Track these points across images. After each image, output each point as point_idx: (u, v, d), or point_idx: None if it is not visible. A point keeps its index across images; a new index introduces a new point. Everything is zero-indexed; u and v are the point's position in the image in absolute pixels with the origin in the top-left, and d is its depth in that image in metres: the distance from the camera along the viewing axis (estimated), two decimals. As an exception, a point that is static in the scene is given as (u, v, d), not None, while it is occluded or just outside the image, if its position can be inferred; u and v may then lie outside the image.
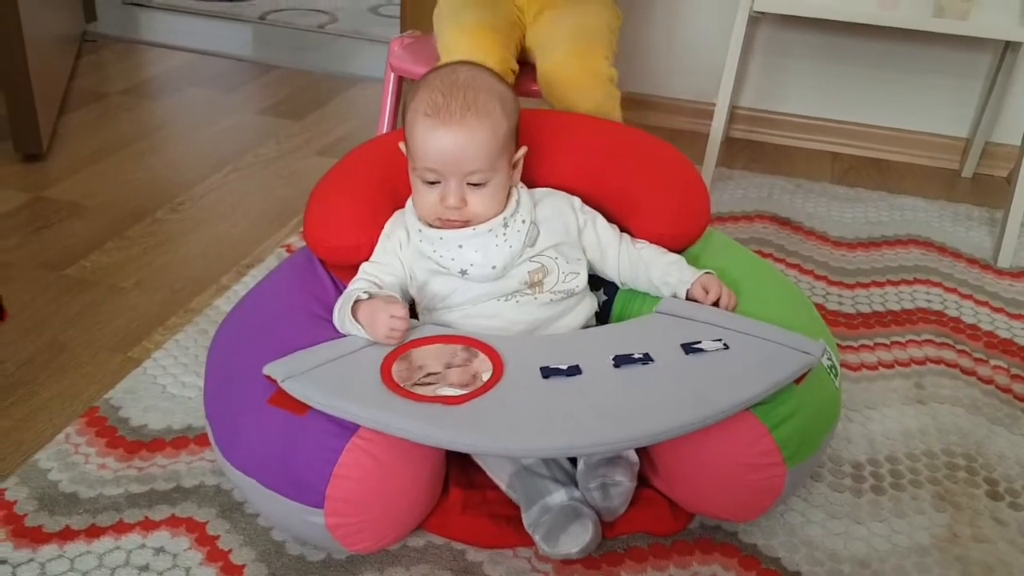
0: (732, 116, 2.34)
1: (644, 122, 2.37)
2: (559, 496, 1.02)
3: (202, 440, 1.22)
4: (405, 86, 1.77)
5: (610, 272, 1.21)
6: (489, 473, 1.07)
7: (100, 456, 1.20)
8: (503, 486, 1.06)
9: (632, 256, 1.19)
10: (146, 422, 1.27)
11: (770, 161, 2.26)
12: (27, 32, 1.97)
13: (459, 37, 1.45)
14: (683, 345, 1.02)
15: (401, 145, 1.16)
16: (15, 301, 1.52)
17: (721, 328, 1.05)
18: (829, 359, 1.09)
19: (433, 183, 1.09)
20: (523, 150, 1.15)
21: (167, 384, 1.34)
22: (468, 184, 1.09)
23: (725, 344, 1.02)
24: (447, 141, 1.06)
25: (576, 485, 1.05)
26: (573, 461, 1.07)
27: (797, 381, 1.01)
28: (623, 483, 1.01)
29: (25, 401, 1.31)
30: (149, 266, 1.67)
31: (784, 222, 1.92)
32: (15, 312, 1.49)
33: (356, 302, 1.06)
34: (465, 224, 1.11)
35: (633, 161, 1.25)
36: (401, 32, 2.43)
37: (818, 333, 1.12)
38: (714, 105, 1.97)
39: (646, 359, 1.00)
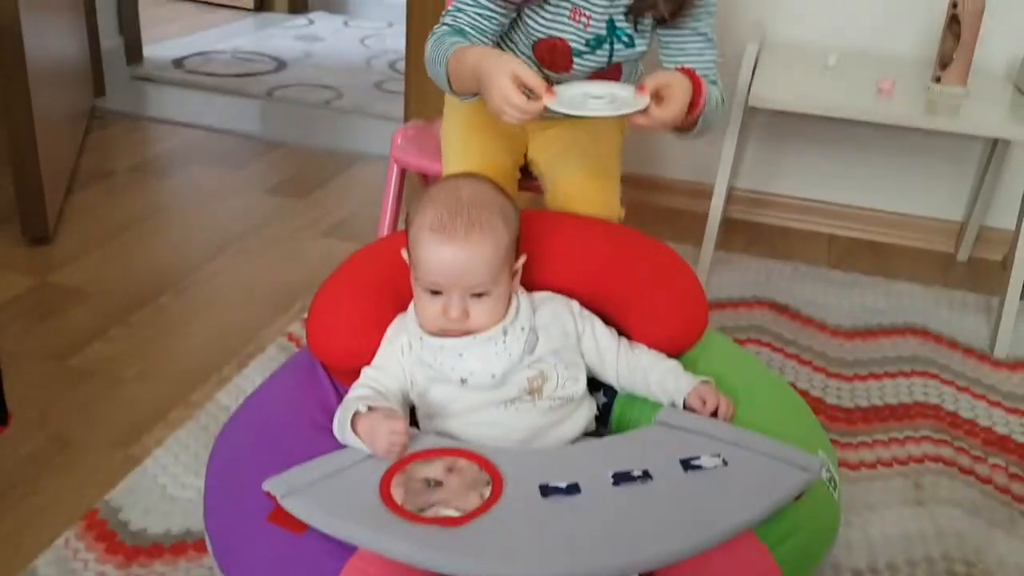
0: (730, 197, 2.37)
1: (645, 202, 2.41)
2: None
3: (200, 546, 1.22)
4: (409, 178, 1.81)
5: (609, 376, 1.22)
6: None
7: (99, 563, 1.20)
8: None
9: (630, 362, 1.20)
10: (145, 526, 1.27)
11: (768, 243, 2.29)
12: (37, 111, 2.00)
13: (463, 169, 1.43)
14: (682, 461, 1.03)
15: (403, 252, 1.18)
16: (19, 393, 1.53)
17: (720, 441, 1.06)
18: (828, 471, 1.10)
19: (436, 293, 1.11)
20: (523, 259, 1.17)
21: (167, 484, 1.35)
22: (470, 295, 1.11)
23: (724, 460, 1.03)
24: (451, 257, 1.08)
25: None
26: None
27: (796, 498, 1.02)
28: None
29: (25, 501, 1.32)
30: (151, 355, 1.68)
31: (782, 309, 1.94)
32: (18, 405, 1.50)
33: (356, 414, 1.07)
34: (466, 334, 1.12)
35: (633, 265, 1.26)
36: (404, 116, 2.50)
37: (817, 443, 1.12)
38: (713, 186, 2.00)
39: (645, 477, 1.01)
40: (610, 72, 1.42)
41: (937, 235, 2.31)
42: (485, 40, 1.35)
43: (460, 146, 1.49)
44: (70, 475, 1.37)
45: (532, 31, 1.37)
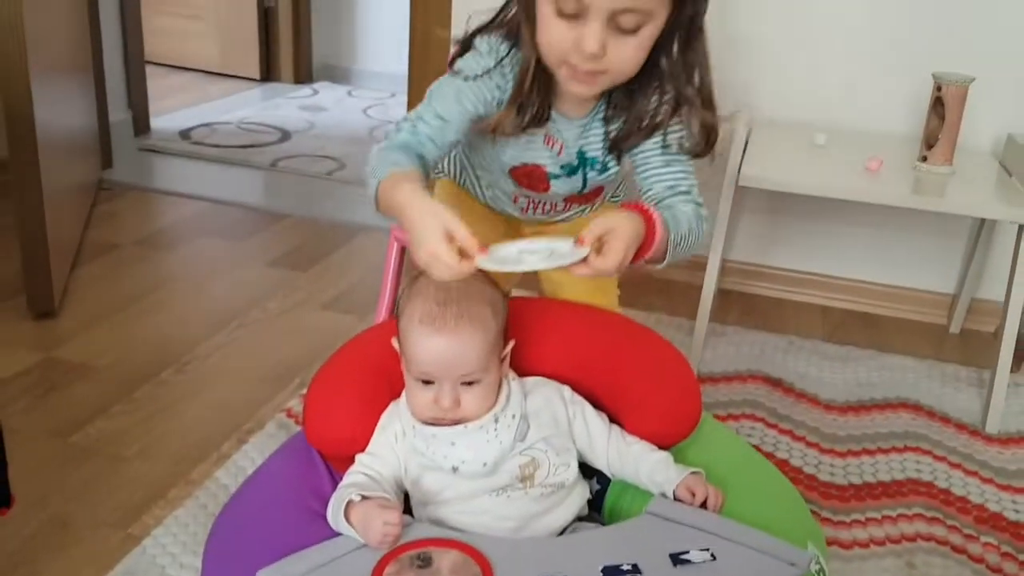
0: (725, 269, 2.41)
1: (640, 274, 2.44)
2: None
3: (198, 629, 1.23)
4: (408, 256, 1.84)
5: (599, 463, 1.23)
6: None
7: (96, 646, 1.21)
8: None
9: (621, 450, 1.22)
10: (143, 608, 1.28)
11: (762, 315, 2.32)
12: (46, 185, 2.04)
13: None
14: (671, 555, 1.04)
15: (394, 341, 1.20)
16: (21, 472, 1.53)
17: (709, 535, 1.08)
18: (817, 563, 1.11)
19: (427, 383, 1.14)
20: (511, 345, 1.20)
21: (166, 565, 1.36)
22: (461, 384, 1.13)
23: (713, 555, 1.04)
24: (442, 348, 1.11)
25: None
26: None
27: (786, 592, 1.03)
28: None
29: (25, 583, 1.33)
30: (152, 432, 1.70)
31: (776, 383, 1.96)
32: (20, 484, 1.51)
33: (349, 503, 1.09)
34: (457, 423, 1.15)
35: (626, 356, 1.28)
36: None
37: (807, 534, 1.14)
38: (707, 258, 2.04)
39: (634, 572, 1.02)
40: (590, 193, 1.42)
41: (930, 307, 2.35)
42: (443, 151, 1.24)
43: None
44: (70, 556, 1.39)
45: (506, 160, 1.35)
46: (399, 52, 3.77)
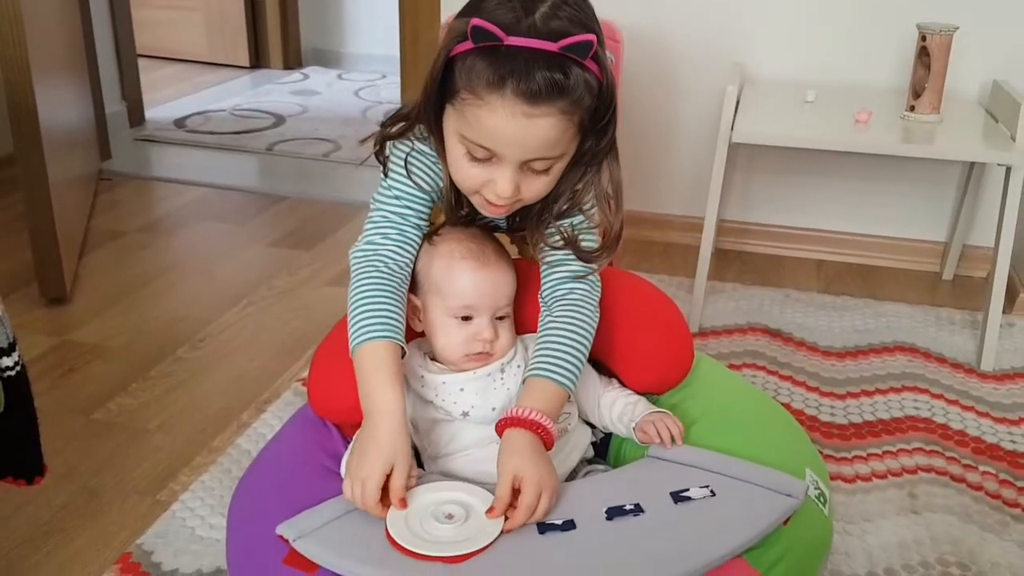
0: (721, 229, 2.46)
1: (640, 237, 2.49)
2: None
3: (231, 583, 1.28)
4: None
5: (590, 415, 1.29)
6: None
7: (136, 603, 1.26)
8: None
9: (604, 400, 1.27)
10: (177, 566, 1.33)
11: (759, 272, 2.37)
12: (51, 177, 2.08)
13: None
14: (672, 494, 1.09)
15: (411, 297, 1.25)
16: (46, 448, 1.57)
17: (708, 473, 1.12)
18: (817, 488, 1.16)
19: (465, 319, 1.19)
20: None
21: (195, 526, 1.41)
22: (496, 319, 1.20)
23: (712, 491, 1.09)
24: (488, 279, 1.18)
25: None
26: None
27: (785, 522, 1.08)
28: None
29: (61, 549, 1.38)
30: (172, 406, 1.75)
31: (775, 334, 2.01)
32: (47, 459, 1.56)
33: None
34: (490, 357, 1.20)
35: (616, 306, 1.32)
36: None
37: (806, 461, 1.19)
38: (703, 219, 2.08)
39: (637, 510, 1.06)
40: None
41: (923, 256, 2.40)
42: (409, 262, 1.22)
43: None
44: (102, 522, 1.43)
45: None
46: (388, 34, 3.81)
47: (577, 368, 1.17)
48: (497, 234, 1.35)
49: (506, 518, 1.05)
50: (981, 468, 1.55)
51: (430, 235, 1.27)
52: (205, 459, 1.59)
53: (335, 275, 2.32)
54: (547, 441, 1.11)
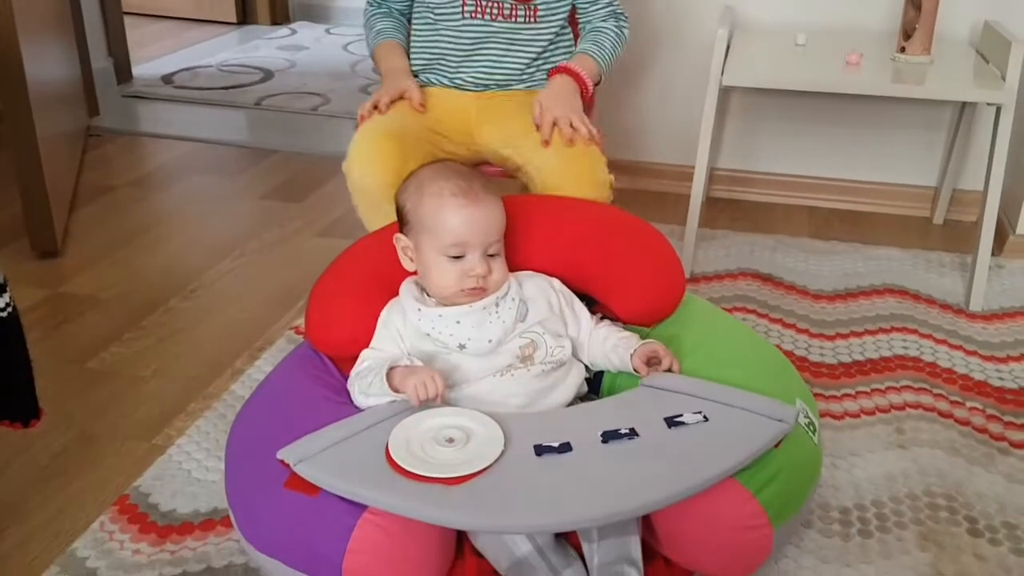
0: (712, 177, 2.46)
1: (632, 186, 2.49)
2: None
3: (228, 522, 1.29)
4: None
5: (581, 352, 1.30)
6: (489, 559, 1.14)
7: (134, 542, 1.28)
8: (501, 572, 1.12)
9: (595, 338, 1.29)
10: (174, 507, 1.34)
11: (750, 219, 2.37)
12: (40, 133, 2.08)
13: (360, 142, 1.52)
14: (666, 419, 1.11)
15: (399, 237, 1.26)
16: (42, 396, 1.58)
17: (701, 400, 1.14)
18: (807, 417, 1.18)
19: (456, 258, 1.20)
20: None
21: (192, 469, 1.42)
22: (488, 255, 1.21)
23: (705, 416, 1.11)
24: (478, 215, 1.20)
25: (572, 565, 1.09)
26: (574, 539, 1.14)
27: (776, 445, 1.10)
28: None
29: (59, 492, 1.39)
30: (166, 354, 1.76)
31: (766, 278, 2.02)
32: (44, 406, 1.57)
33: (393, 368, 1.15)
34: (484, 292, 1.21)
35: (608, 241, 1.34)
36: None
37: (796, 392, 1.20)
38: (693, 168, 2.08)
39: (632, 434, 1.08)
40: None
41: (913, 201, 2.40)
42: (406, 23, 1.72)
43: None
44: (99, 467, 1.45)
45: None
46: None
47: (610, 60, 1.66)
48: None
49: (505, 444, 1.07)
50: (968, 404, 1.57)
51: (415, 172, 1.27)
52: (200, 405, 1.60)
53: (326, 226, 2.32)
54: (582, 86, 1.59)
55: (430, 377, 1.12)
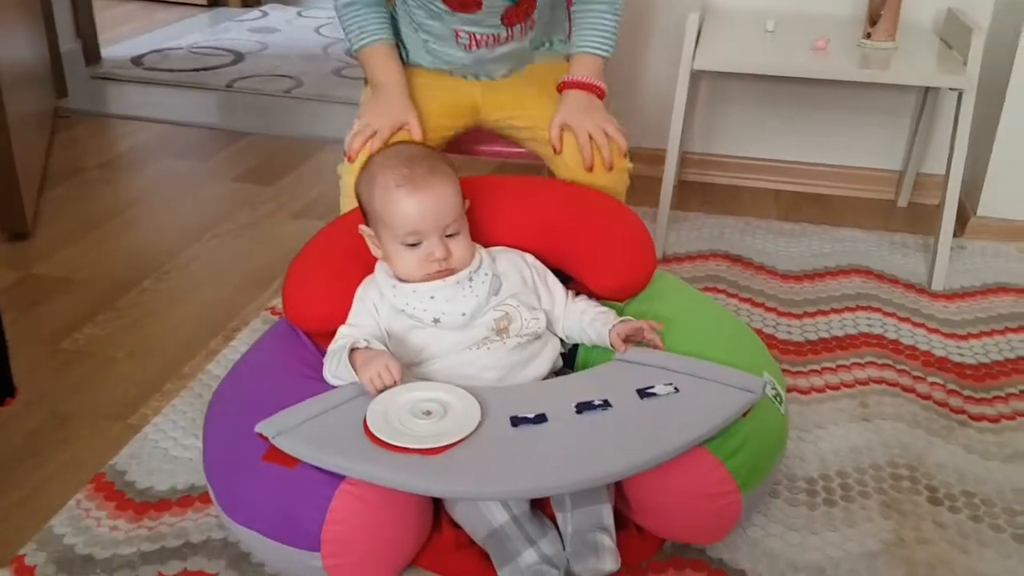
0: (683, 161, 2.49)
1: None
2: (528, 557, 1.09)
3: (206, 498, 1.31)
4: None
5: (556, 325, 1.33)
6: (467, 530, 1.16)
7: (111, 519, 1.29)
8: (478, 541, 1.15)
9: (570, 309, 1.32)
10: (151, 484, 1.35)
11: (720, 202, 2.41)
12: (8, 111, 2.06)
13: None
14: (638, 390, 1.14)
15: (363, 228, 1.28)
16: (16, 376, 1.60)
17: (672, 372, 1.17)
18: (774, 388, 1.21)
19: (414, 245, 1.22)
20: (467, 202, 1.29)
21: (168, 447, 1.43)
22: (446, 237, 1.23)
23: (676, 388, 1.14)
24: (426, 203, 1.20)
25: (547, 535, 1.12)
26: (549, 510, 1.16)
27: (744, 415, 1.13)
28: (610, 570, 1.09)
29: (34, 472, 1.39)
30: (140, 335, 1.76)
31: (736, 259, 2.06)
32: (18, 386, 1.57)
33: (355, 349, 1.17)
34: (450, 272, 1.23)
35: (580, 218, 1.38)
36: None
37: (763, 365, 1.24)
38: (665, 151, 2.11)
39: (605, 405, 1.11)
40: (521, 6, 1.51)
41: (878, 184, 2.45)
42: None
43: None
44: (74, 447, 1.45)
45: None
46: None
47: (612, 41, 1.56)
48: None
49: (482, 417, 1.09)
50: (930, 379, 1.61)
51: (368, 162, 1.29)
52: (175, 385, 1.60)
53: (300, 208, 2.32)
54: (599, 94, 1.52)
55: (384, 367, 1.14)
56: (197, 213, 2.30)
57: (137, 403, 1.56)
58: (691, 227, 2.23)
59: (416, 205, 1.21)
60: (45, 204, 2.31)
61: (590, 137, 1.46)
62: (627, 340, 1.24)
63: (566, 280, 1.38)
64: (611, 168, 1.47)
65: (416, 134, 1.46)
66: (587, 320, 1.29)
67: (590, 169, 1.46)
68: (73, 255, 2.06)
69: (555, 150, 1.48)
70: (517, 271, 1.31)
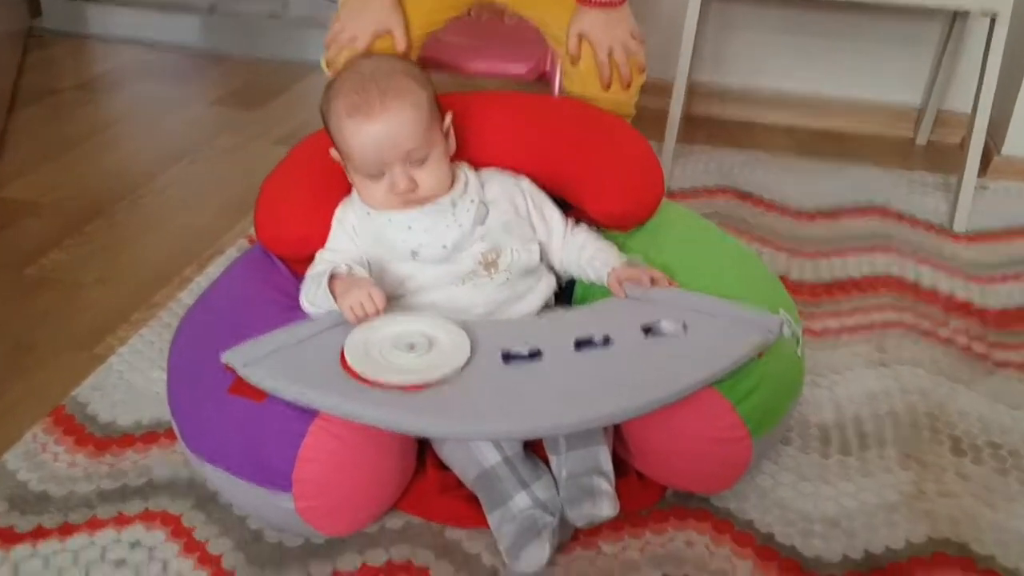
0: (692, 94, 2.36)
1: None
2: (520, 501, 1.01)
3: (172, 434, 1.21)
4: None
5: (553, 258, 1.21)
6: (455, 470, 1.07)
7: (69, 454, 1.19)
8: (467, 483, 1.06)
9: (569, 240, 1.20)
10: (114, 418, 1.25)
11: (729, 136, 2.29)
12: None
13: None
14: (643, 327, 1.03)
15: (333, 152, 1.15)
16: (-26, 302, 1.50)
17: (681, 309, 1.06)
18: (790, 327, 1.11)
19: (378, 176, 1.09)
20: (449, 116, 1.15)
21: (134, 380, 1.33)
22: (411, 164, 1.09)
23: (684, 325, 1.03)
24: (378, 132, 1.06)
25: (542, 478, 1.03)
26: (542, 453, 1.08)
27: (759, 355, 1.03)
28: (606, 516, 1.01)
29: (-11, 403, 1.29)
30: (110, 262, 1.65)
31: (745, 196, 1.94)
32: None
33: (335, 275, 1.06)
34: (423, 201, 1.11)
35: (582, 138, 1.24)
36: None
37: (779, 302, 1.13)
38: (673, 82, 1.99)
39: (606, 342, 1.01)
40: None
41: (896, 121, 2.33)
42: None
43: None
44: (35, 377, 1.35)
45: None
46: None
47: None
48: None
49: (471, 352, 0.98)
50: (951, 324, 1.51)
51: (330, 81, 1.15)
52: (145, 314, 1.50)
53: (284, 134, 2.19)
54: (617, 3, 1.32)
55: (367, 295, 1.03)
56: (175, 137, 2.17)
57: (103, 332, 1.45)
58: (697, 161, 2.11)
59: (368, 136, 1.07)
60: (14, 125, 2.18)
61: (610, 54, 1.32)
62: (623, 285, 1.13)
63: (565, 209, 1.26)
64: (628, 86, 1.34)
65: (400, 44, 1.31)
66: (586, 257, 1.17)
67: (607, 87, 1.32)
68: (42, 178, 1.94)
69: (572, 60, 1.33)
70: (508, 198, 1.18)
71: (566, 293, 1.26)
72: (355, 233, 1.14)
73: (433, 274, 1.12)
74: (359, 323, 1.03)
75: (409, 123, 1.07)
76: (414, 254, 1.11)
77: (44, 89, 2.40)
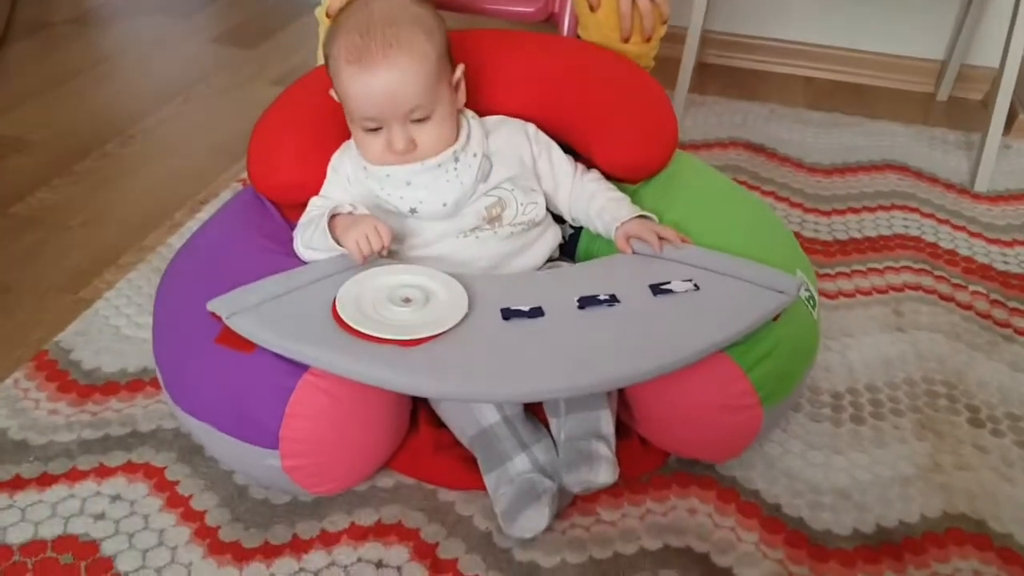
0: (705, 41, 2.27)
1: (614, 47, 2.29)
2: (520, 463, 0.96)
3: (158, 383, 1.16)
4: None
5: (561, 206, 1.14)
6: (452, 429, 1.03)
7: (51, 401, 1.15)
8: (465, 442, 1.02)
9: (578, 188, 1.13)
10: (99, 365, 1.21)
11: (744, 86, 2.20)
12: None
13: None
14: (651, 286, 0.97)
15: (332, 93, 1.08)
16: (-44, 241, 1.45)
17: (693, 267, 1.00)
18: (807, 290, 1.05)
19: (375, 129, 1.02)
20: (460, 68, 1.07)
21: (121, 325, 1.28)
22: (412, 122, 1.01)
23: (696, 285, 0.98)
24: (378, 86, 0.98)
25: (542, 441, 0.99)
26: (541, 415, 1.03)
27: (774, 319, 0.97)
28: (604, 483, 0.97)
29: (-31, 346, 1.25)
30: (99, 203, 1.59)
31: (758, 148, 1.87)
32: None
33: (336, 215, 1.00)
34: (423, 158, 1.04)
35: (593, 83, 1.17)
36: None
37: (795, 262, 1.07)
38: (686, 30, 1.91)
39: (612, 301, 0.95)
40: None
41: (917, 75, 2.24)
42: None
43: None
44: (17, 319, 1.30)
45: None
46: None
47: None
48: None
49: (469, 307, 0.93)
50: (971, 288, 1.45)
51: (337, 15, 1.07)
52: (133, 257, 1.44)
53: (281, 74, 2.11)
54: None
55: (373, 228, 0.97)
56: (170, 74, 2.09)
57: (90, 275, 1.40)
58: (709, 112, 2.03)
59: (365, 88, 0.98)
60: (5, 60, 2.10)
61: (633, 4, 1.22)
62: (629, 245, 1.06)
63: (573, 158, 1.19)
64: (649, 40, 1.26)
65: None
66: (595, 208, 1.10)
67: (626, 40, 1.24)
68: (30, 114, 1.87)
69: (592, 6, 1.24)
70: (514, 149, 1.10)
71: (570, 244, 1.20)
72: (348, 183, 1.08)
73: (433, 230, 1.06)
74: (365, 260, 0.97)
75: (412, 79, 0.98)
76: (413, 211, 1.04)
77: (36, 22, 2.32)
